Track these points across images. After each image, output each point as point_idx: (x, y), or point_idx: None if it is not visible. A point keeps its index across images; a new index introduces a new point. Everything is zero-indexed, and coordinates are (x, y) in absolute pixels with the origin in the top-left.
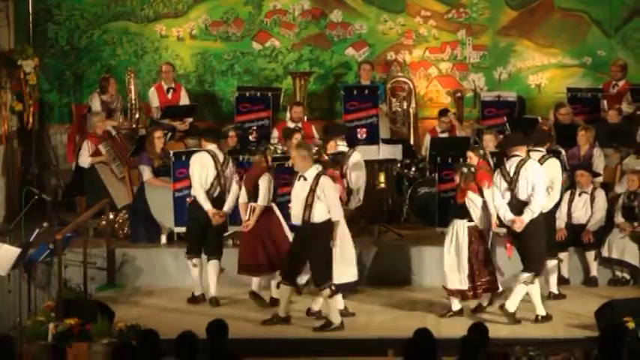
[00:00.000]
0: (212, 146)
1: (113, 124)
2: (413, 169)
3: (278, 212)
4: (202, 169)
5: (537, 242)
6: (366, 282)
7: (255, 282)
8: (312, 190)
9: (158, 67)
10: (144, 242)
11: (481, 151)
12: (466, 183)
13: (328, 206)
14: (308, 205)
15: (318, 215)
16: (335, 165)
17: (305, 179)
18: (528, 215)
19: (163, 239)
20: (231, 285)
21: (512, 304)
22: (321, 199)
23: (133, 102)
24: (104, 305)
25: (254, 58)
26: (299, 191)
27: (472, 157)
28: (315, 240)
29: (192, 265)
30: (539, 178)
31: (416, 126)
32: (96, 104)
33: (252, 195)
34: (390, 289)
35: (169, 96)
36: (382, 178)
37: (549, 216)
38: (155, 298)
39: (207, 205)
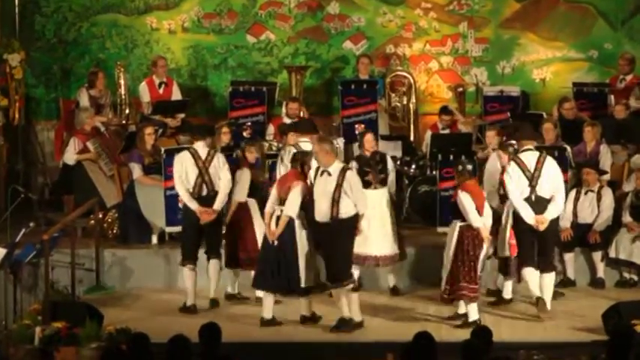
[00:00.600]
0: (198, 144)
1: (102, 120)
2: (413, 166)
3: (253, 209)
4: (181, 168)
5: (556, 239)
6: (364, 285)
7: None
8: (339, 185)
9: (149, 60)
10: (134, 243)
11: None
12: (460, 181)
13: (355, 201)
14: (335, 201)
15: (345, 211)
16: (294, 162)
17: (329, 174)
18: (552, 213)
19: (154, 239)
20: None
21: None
22: (347, 194)
23: (123, 97)
24: (93, 308)
25: (248, 52)
26: (324, 187)
27: (502, 157)
28: (342, 236)
29: (189, 270)
30: (560, 174)
31: (416, 122)
32: (84, 99)
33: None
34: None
35: (161, 91)
36: None
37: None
38: (146, 301)
39: (193, 205)
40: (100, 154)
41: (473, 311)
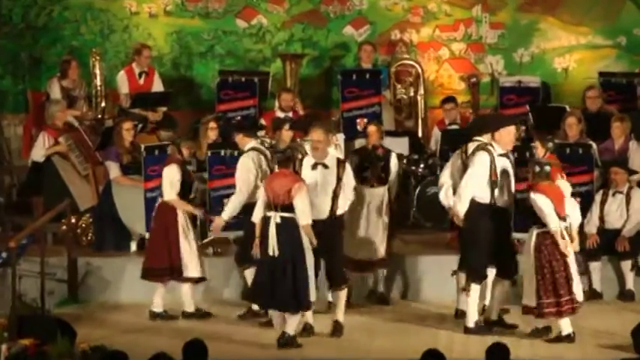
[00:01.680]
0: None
1: (75, 114)
2: (421, 165)
3: (181, 212)
4: (256, 172)
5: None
6: (367, 296)
7: (157, 295)
8: (340, 179)
9: (127, 48)
10: (111, 250)
11: (550, 144)
12: (534, 181)
13: (348, 196)
14: (336, 197)
15: (342, 207)
16: (286, 162)
17: (326, 167)
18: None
19: (133, 247)
20: (206, 300)
21: None
22: (344, 189)
23: (99, 88)
24: (64, 323)
25: (238, 38)
26: (323, 181)
27: (539, 149)
28: (340, 235)
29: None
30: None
31: (424, 116)
32: (55, 91)
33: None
34: (395, 304)
35: (141, 81)
36: None
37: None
38: (124, 315)
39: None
40: (73, 151)
41: (565, 325)
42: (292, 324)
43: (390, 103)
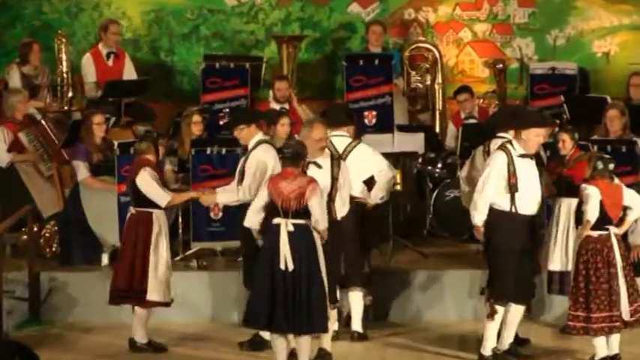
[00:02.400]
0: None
1: (38, 106)
2: (439, 165)
3: (160, 220)
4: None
5: None
6: (377, 316)
7: (137, 320)
8: (335, 180)
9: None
10: (79, 264)
11: (576, 134)
12: (592, 176)
13: (345, 197)
14: (331, 200)
15: (340, 210)
16: (296, 160)
17: (319, 167)
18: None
19: (105, 259)
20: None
21: None
22: (340, 190)
23: (65, 76)
24: (25, 348)
25: (226, 17)
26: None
27: (566, 141)
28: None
29: None
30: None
31: (442, 108)
32: (14, 79)
33: (131, 195)
34: (410, 325)
35: (110, 62)
36: (398, 177)
37: None
38: (94, 338)
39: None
40: (36, 149)
41: (599, 346)
42: (328, 340)
43: (402, 92)
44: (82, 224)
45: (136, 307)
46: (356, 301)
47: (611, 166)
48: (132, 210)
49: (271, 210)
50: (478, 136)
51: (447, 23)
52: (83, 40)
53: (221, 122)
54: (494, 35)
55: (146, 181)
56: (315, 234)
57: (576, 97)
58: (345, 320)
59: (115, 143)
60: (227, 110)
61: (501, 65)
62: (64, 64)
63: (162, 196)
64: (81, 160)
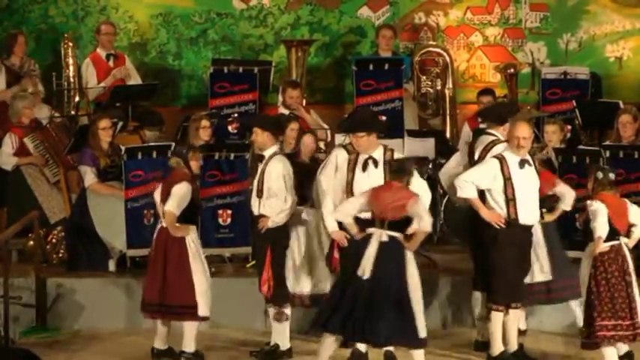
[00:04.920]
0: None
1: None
2: None
3: (193, 233)
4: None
5: None
6: None
7: (159, 333)
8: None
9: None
10: (86, 270)
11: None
12: (596, 190)
13: None
14: None
15: None
16: (402, 174)
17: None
18: None
19: (112, 266)
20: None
21: None
22: None
23: (72, 80)
24: (32, 355)
25: (235, 21)
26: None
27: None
28: None
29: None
30: None
31: (453, 113)
32: None
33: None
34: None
35: (111, 63)
36: None
37: None
38: (101, 345)
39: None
40: (43, 155)
41: (609, 356)
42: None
43: (413, 97)
44: (88, 230)
45: (187, 322)
46: None
47: (612, 175)
48: (163, 222)
49: (365, 219)
50: None
51: (458, 27)
52: (90, 44)
53: (230, 128)
54: (505, 39)
55: (177, 192)
56: (405, 248)
57: (588, 102)
58: None
59: (122, 148)
60: (235, 115)
61: (513, 70)
62: (71, 68)
63: (174, 206)
64: (88, 165)
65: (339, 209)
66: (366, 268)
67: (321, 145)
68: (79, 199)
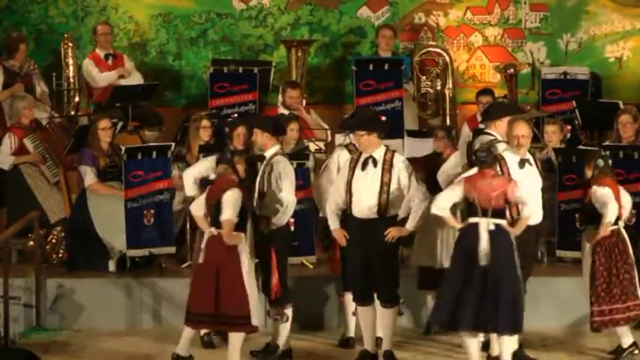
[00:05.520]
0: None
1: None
2: None
3: (243, 241)
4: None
5: None
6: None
7: (186, 340)
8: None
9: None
10: (85, 270)
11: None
12: (598, 177)
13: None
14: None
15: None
16: (493, 161)
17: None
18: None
19: (112, 266)
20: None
21: None
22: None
23: (72, 80)
24: (31, 355)
25: (234, 22)
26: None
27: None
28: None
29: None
30: None
31: (453, 113)
32: None
33: (210, 215)
34: (430, 336)
35: (110, 62)
36: None
37: None
38: (101, 345)
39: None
40: (43, 155)
41: (624, 335)
42: (509, 348)
43: (412, 97)
44: (88, 230)
45: (234, 333)
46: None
47: (610, 162)
48: (213, 231)
49: (468, 209)
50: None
51: (458, 27)
52: (89, 45)
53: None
54: (505, 40)
55: (235, 200)
56: (510, 234)
57: (588, 103)
58: None
59: (122, 148)
60: (235, 115)
61: (512, 70)
62: (71, 68)
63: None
64: (87, 165)
65: (434, 204)
66: (484, 257)
67: (321, 145)
68: (78, 200)
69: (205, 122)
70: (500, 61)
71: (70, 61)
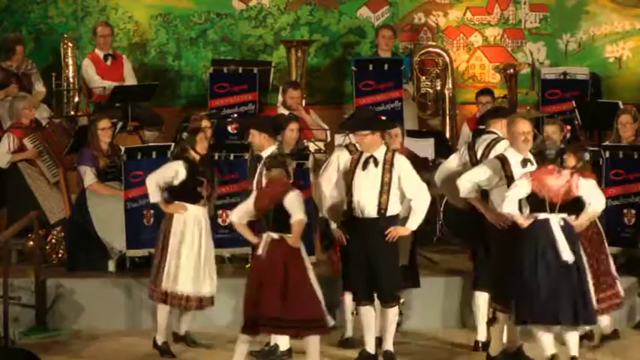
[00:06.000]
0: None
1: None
2: None
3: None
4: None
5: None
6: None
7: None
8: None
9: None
10: (85, 270)
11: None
12: (582, 169)
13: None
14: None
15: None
16: (556, 157)
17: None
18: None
19: (111, 266)
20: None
21: None
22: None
23: (71, 80)
24: (32, 355)
25: (234, 22)
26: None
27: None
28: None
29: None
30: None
31: (453, 113)
32: None
33: (267, 220)
34: (423, 335)
35: (108, 63)
36: None
37: None
38: (101, 346)
39: None
40: (41, 155)
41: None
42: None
43: (412, 98)
44: (88, 230)
45: (312, 337)
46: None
47: (591, 155)
48: (274, 235)
49: (536, 205)
50: None
51: (458, 28)
52: (89, 45)
53: (229, 128)
54: (505, 40)
55: (301, 201)
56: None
57: (588, 103)
58: None
59: (122, 149)
60: (235, 115)
61: (512, 70)
62: (70, 68)
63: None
64: (87, 165)
65: (504, 206)
66: (564, 251)
67: (321, 145)
68: (78, 200)
69: (205, 122)
70: (500, 62)
71: (70, 62)
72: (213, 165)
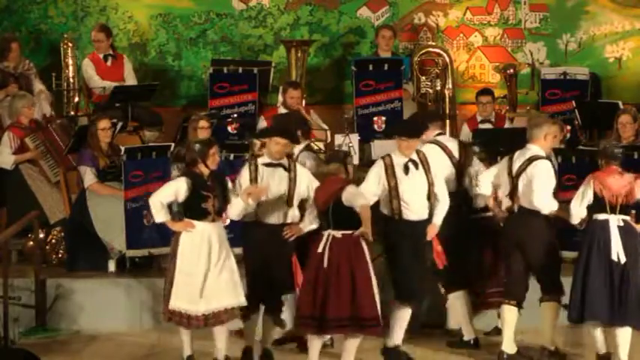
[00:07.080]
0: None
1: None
2: None
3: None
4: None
5: None
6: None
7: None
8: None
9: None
10: (85, 270)
11: None
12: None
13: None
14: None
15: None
16: (618, 158)
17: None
18: None
19: (111, 266)
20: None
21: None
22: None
23: (71, 80)
24: (32, 356)
25: (234, 22)
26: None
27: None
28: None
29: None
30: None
31: (453, 113)
32: None
33: (326, 218)
34: (423, 338)
35: (109, 63)
36: None
37: None
38: (101, 346)
39: None
40: (42, 155)
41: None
42: (627, 344)
43: (412, 98)
44: (88, 230)
45: (351, 337)
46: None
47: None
48: (335, 233)
49: (595, 206)
50: (491, 141)
51: (458, 28)
52: (89, 45)
53: (229, 129)
54: (505, 40)
55: (358, 190)
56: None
57: (588, 103)
58: None
59: (122, 149)
60: (235, 115)
61: (512, 70)
62: (70, 68)
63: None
64: (87, 165)
65: (572, 214)
66: (618, 254)
67: (321, 145)
68: (78, 200)
69: (203, 122)
70: (499, 62)
71: (70, 62)
72: (224, 180)
